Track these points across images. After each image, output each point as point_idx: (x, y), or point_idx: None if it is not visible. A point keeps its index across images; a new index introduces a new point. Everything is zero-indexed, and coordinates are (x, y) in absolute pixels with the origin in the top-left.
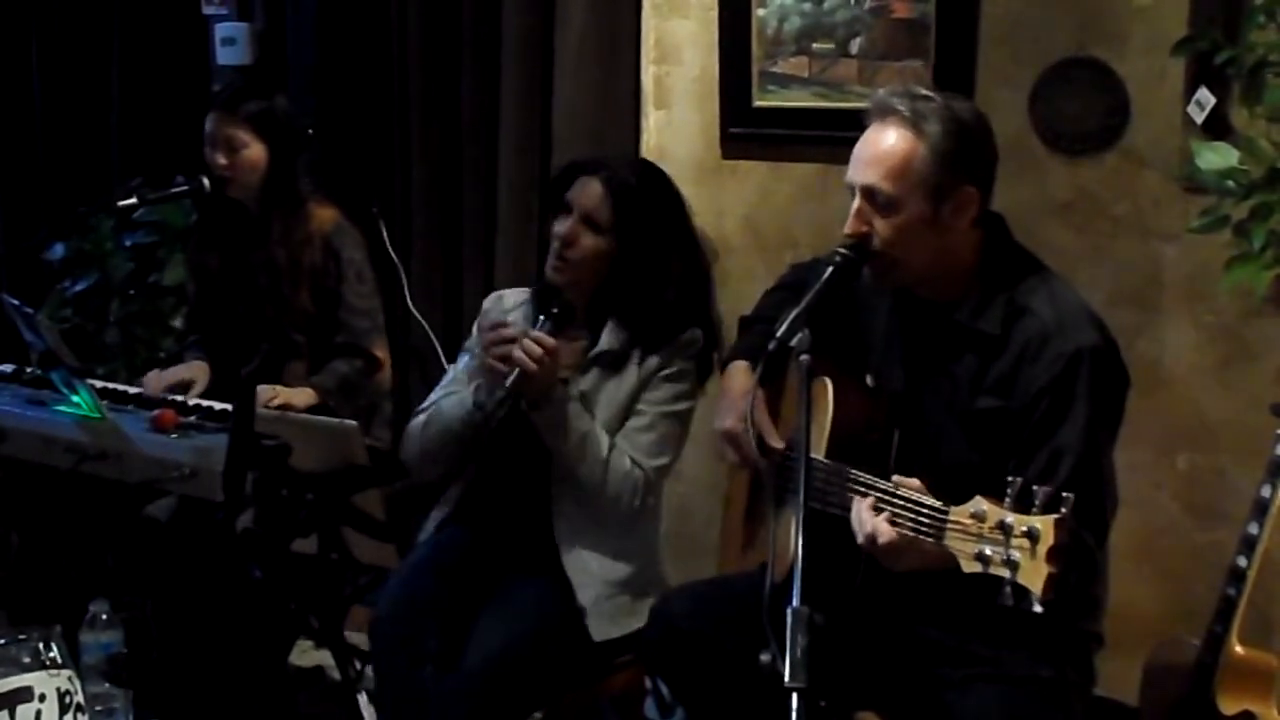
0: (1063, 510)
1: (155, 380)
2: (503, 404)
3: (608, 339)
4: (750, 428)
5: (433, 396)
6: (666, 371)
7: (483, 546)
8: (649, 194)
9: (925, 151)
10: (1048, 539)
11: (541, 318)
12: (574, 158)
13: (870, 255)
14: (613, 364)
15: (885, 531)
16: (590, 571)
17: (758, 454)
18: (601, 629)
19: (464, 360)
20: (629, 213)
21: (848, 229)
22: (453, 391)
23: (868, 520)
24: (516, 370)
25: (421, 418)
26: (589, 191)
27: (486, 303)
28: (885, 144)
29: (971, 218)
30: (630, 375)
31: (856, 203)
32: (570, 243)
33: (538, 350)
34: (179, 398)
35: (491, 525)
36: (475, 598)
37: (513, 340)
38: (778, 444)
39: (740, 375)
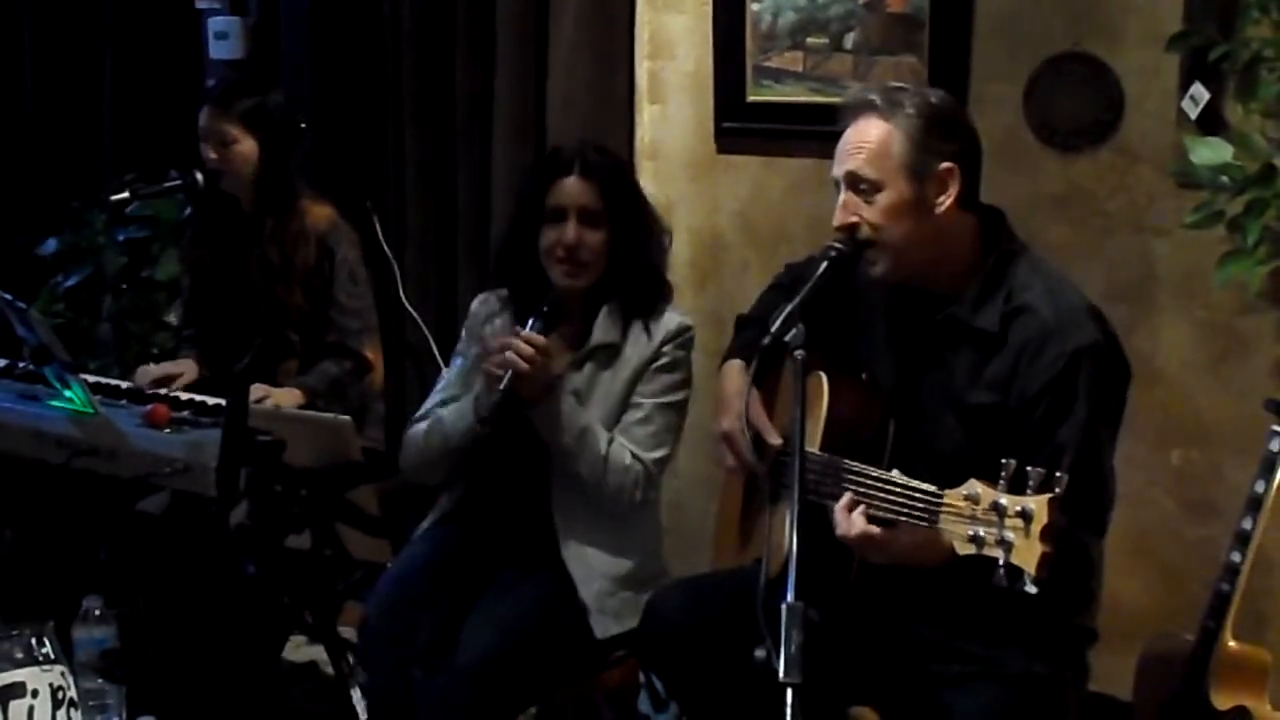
0: (1056, 490)
1: (144, 375)
2: (498, 407)
3: (602, 332)
4: (746, 428)
5: (429, 402)
6: (659, 363)
7: (477, 544)
8: (619, 170)
9: (901, 134)
10: (1041, 518)
11: (532, 318)
12: (541, 161)
13: (862, 245)
14: (607, 358)
15: (859, 525)
16: (592, 567)
17: (753, 458)
18: (605, 626)
19: (457, 364)
20: (614, 194)
21: (836, 221)
22: (450, 397)
23: (842, 518)
24: (510, 371)
25: (422, 426)
26: (572, 189)
27: (474, 304)
28: (864, 134)
29: (956, 197)
30: (624, 369)
31: (842, 195)
32: (578, 245)
33: (528, 350)
34: (164, 390)
35: (486, 523)
36: (468, 595)
37: (504, 348)
38: (775, 441)
39: (736, 375)
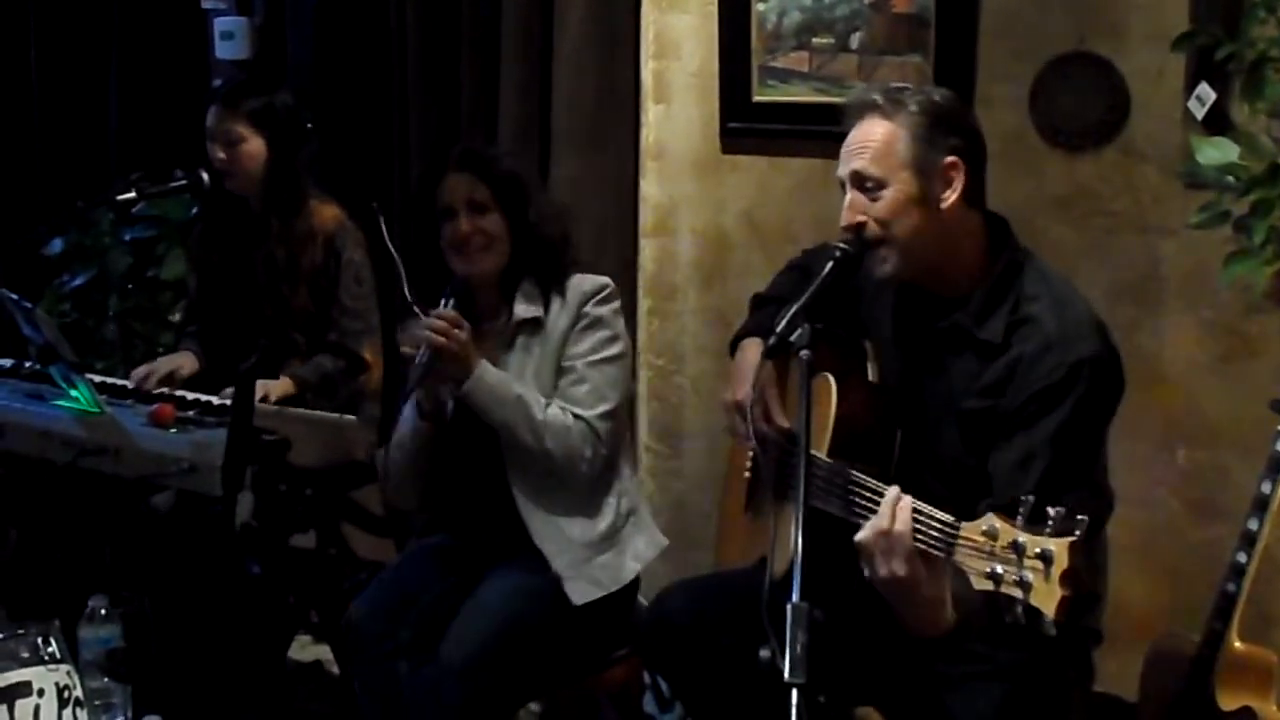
0: (1077, 534)
1: (144, 375)
2: (421, 383)
3: (523, 307)
4: (758, 401)
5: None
6: (581, 324)
7: (460, 547)
8: (495, 158)
9: (904, 131)
10: (1062, 562)
11: (442, 299)
12: (423, 171)
13: (869, 244)
14: (533, 332)
15: (903, 519)
16: (560, 537)
17: (763, 426)
18: (581, 592)
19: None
20: (498, 182)
21: (843, 222)
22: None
23: (887, 510)
24: (428, 352)
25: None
26: (457, 185)
27: None
28: (868, 134)
29: (961, 192)
30: (550, 339)
31: (848, 196)
32: (472, 234)
33: (440, 324)
34: (169, 390)
35: (465, 526)
36: (454, 593)
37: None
38: (783, 421)
39: (752, 350)
